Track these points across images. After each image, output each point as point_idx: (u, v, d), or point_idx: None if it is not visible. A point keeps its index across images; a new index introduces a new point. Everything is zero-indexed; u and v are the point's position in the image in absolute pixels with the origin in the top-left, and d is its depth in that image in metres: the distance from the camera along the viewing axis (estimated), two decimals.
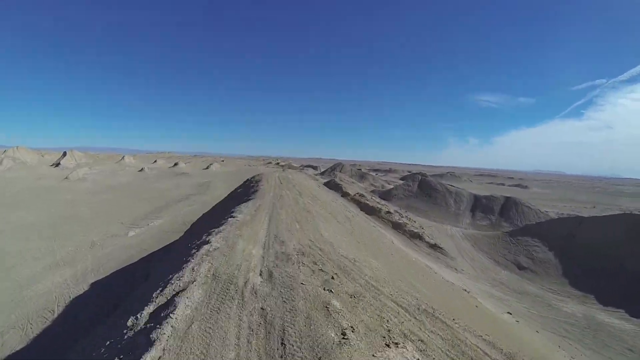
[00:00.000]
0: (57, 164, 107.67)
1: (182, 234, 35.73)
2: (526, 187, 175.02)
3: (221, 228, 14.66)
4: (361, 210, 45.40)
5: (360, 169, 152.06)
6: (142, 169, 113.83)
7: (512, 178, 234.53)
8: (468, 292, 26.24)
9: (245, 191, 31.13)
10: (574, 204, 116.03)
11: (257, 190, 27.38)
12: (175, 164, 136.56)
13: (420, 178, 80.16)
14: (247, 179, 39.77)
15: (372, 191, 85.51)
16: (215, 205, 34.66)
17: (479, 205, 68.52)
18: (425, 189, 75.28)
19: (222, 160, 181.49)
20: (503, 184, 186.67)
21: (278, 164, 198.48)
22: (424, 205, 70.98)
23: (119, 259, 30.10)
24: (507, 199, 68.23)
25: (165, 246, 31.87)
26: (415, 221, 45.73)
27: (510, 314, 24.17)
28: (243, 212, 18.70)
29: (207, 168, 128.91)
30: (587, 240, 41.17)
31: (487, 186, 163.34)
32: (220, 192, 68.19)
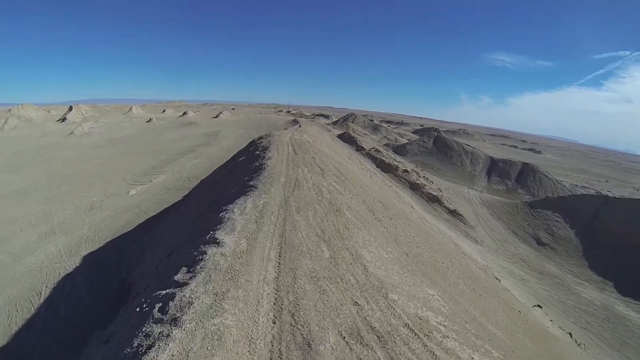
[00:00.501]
0: (63, 119, 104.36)
1: (185, 192, 33.51)
2: (539, 152, 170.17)
3: (188, 292, 7.67)
4: (377, 167, 42.50)
5: (372, 120, 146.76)
6: (149, 119, 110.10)
7: (525, 141, 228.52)
8: (500, 282, 24.02)
9: (248, 165, 22.37)
10: (587, 176, 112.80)
11: (262, 168, 18.88)
12: (184, 113, 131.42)
13: (435, 135, 76.17)
14: (252, 142, 31.96)
15: (386, 144, 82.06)
16: (213, 175, 31.39)
17: (496, 169, 65.43)
18: (440, 146, 71.69)
19: (233, 109, 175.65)
20: (516, 147, 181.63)
21: (289, 112, 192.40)
22: (439, 163, 67.86)
23: (116, 225, 28.51)
24: (525, 165, 64.97)
25: (163, 211, 29.95)
26: (432, 182, 42.86)
27: (541, 307, 22.02)
28: (236, 226, 11.44)
29: (217, 117, 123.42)
30: (611, 222, 38.61)
31: (500, 147, 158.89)
32: (228, 143, 65.04)
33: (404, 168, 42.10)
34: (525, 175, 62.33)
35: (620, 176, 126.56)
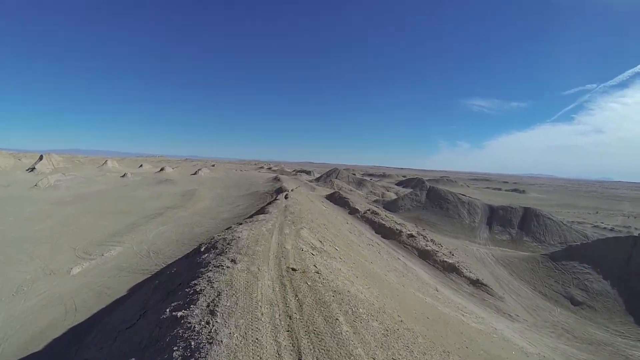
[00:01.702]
0: (32, 169, 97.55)
1: (138, 276, 26.56)
2: (523, 191, 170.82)
3: None
4: (376, 232, 37.37)
5: (354, 174, 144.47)
6: (124, 174, 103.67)
7: (507, 182, 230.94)
8: None
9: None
10: (576, 210, 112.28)
11: None
12: (162, 169, 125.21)
13: (428, 187, 72.65)
14: (197, 252, 16.77)
15: (375, 201, 77.88)
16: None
17: (496, 217, 61.44)
18: (434, 199, 67.81)
19: (213, 165, 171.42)
20: (500, 189, 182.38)
21: (270, 168, 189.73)
22: (434, 217, 63.56)
23: (32, 329, 20.03)
24: (526, 210, 61.39)
25: (99, 313, 22.18)
26: (442, 245, 37.76)
27: None
28: None
29: (195, 173, 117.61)
30: None
31: (484, 191, 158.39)
32: (203, 204, 59.16)
33: (408, 232, 36.95)
34: (528, 221, 58.39)
35: (606, 205, 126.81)
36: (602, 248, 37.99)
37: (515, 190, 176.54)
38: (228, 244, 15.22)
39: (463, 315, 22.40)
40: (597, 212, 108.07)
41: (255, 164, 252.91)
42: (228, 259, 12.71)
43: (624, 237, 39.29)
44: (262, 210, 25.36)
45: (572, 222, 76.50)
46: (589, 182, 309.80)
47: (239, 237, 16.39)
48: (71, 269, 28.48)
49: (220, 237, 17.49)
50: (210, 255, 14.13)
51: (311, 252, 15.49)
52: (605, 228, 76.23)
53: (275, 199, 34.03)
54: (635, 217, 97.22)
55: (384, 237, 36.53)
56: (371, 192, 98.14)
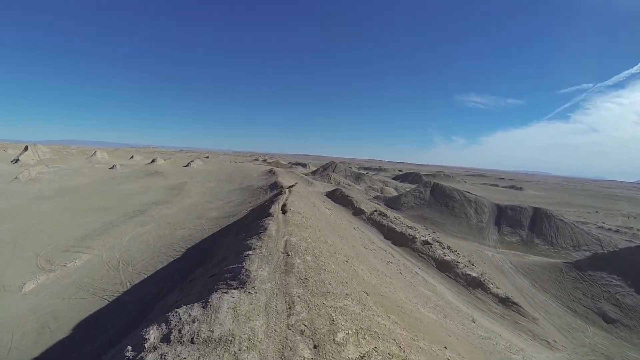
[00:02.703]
0: (17, 160, 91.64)
1: (96, 301, 21.36)
2: (520, 188, 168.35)
3: None
4: (385, 238, 33.33)
5: (351, 167, 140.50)
6: (113, 166, 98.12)
7: (503, 178, 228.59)
8: None
9: None
10: (576, 209, 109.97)
11: None
12: (153, 161, 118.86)
13: (432, 183, 68.89)
14: None
15: (376, 197, 73.89)
16: None
17: (505, 218, 57.96)
18: (439, 196, 64.10)
19: (207, 157, 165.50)
20: (497, 185, 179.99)
21: (265, 160, 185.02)
22: (439, 216, 59.87)
23: None
24: (536, 210, 58.07)
25: None
26: (459, 253, 33.82)
27: None
28: None
29: (188, 165, 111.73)
30: None
31: (481, 187, 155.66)
32: (192, 200, 54.47)
33: (422, 239, 32.93)
34: (539, 222, 55.02)
35: (604, 204, 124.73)
36: (631, 257, 34.50)
37: (512, 187, 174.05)
38: None
39: None
40: (597, 212, 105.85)
41: (250, 156, 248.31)
42: None
43: None
44: (239, 267, 12.59)
45: (577, 222, 73.84)
46: (584, 181, 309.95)
47: None
48: (24, 284, 23.63)
49: None
50: None
51: None
52: (609, 229, 73.66)
53: (268, 216, 22.09)
54: (635, 218, 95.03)
55: (395, 244, 32.50)
56: (370, 187, 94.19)
